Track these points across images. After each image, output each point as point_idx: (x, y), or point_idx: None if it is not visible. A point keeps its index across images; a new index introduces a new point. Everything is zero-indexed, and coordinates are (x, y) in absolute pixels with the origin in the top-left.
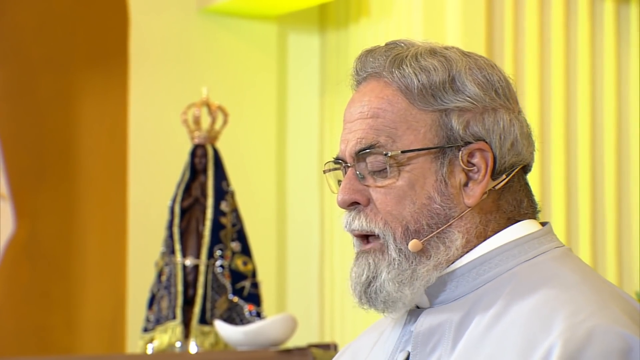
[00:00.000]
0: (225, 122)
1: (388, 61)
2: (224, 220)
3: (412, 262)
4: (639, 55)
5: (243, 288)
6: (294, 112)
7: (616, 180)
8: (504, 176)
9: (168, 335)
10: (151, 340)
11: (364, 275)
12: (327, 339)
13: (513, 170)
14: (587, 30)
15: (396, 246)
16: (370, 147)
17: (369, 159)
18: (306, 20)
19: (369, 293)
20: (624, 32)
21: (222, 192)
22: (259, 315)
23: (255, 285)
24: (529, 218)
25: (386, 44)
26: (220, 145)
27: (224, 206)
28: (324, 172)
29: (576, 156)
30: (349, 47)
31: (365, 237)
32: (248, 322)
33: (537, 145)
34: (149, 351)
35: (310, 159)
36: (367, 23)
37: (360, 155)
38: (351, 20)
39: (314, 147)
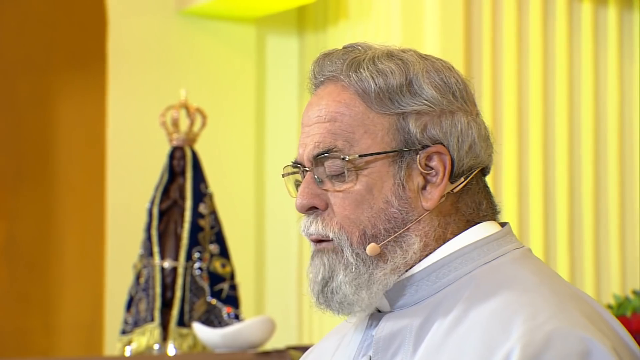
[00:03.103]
0: (203, 124)
1: (345, 64)
2: (202, 222)
3: (369, 266)
4: (617, 57)
5: (221, 290)
6: (272, 114)
7: (594, 182)
8: (462, 179)
9: (146, 337)
10: (129, 343)
11: (320, 275)
12: (305, 341)
13: (471, 173)
14: (565, 31)
15: (352, 250)
16: (328, 151)
17: (327, 163)
18: (285, 23)
19: (325, 293)
20: (602, 34)
21: (201, 194)
22: (237, 317)
23: (233, 287)
24: (489, 220)
25: (344, 47)
26: (198, 147)
27: (202, 208)
28: (283, 175)
29: (554, 158)
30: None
31: (320, 240)
32: (226, 324)
33: (514, 148)
34: (127, 353)
35: (289, 161)
36: (346, 25)
37: (318, 159)
38: (330, 23)
39: (292, 149)
